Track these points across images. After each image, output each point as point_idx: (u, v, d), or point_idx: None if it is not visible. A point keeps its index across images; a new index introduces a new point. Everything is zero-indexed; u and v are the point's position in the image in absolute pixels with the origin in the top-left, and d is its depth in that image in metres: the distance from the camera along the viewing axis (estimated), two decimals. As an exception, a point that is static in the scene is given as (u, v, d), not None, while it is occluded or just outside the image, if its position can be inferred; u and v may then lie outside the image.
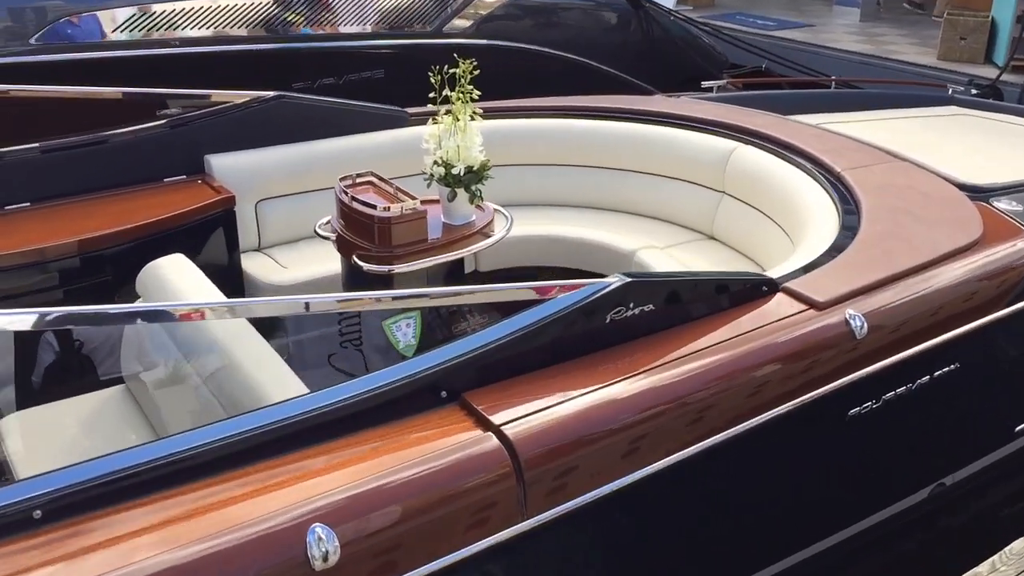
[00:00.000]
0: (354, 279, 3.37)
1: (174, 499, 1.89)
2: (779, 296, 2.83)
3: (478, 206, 3.49)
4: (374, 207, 3.20)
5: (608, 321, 2.47)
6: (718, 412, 2.50)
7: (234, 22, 5.60)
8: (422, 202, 3.37)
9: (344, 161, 4.08)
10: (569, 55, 6.99)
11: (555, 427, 2.24)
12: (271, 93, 4.12)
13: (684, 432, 2.43)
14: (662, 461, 2.38)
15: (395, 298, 2.37)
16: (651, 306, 2.54)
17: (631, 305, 2.49)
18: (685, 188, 4.34)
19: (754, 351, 2.61)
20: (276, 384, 2.26)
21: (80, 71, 4.63)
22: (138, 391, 2.94)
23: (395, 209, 3.19)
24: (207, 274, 3.87)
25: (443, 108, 3.29)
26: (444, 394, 2.25)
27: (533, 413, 2.24)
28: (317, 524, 1.89)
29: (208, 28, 5.53)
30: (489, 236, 3.43)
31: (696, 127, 4.39)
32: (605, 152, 4.43)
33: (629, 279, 2.49)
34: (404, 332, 2.58)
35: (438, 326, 2.86)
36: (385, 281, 3.28)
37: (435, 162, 3.35)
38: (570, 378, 2.38)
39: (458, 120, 3.29)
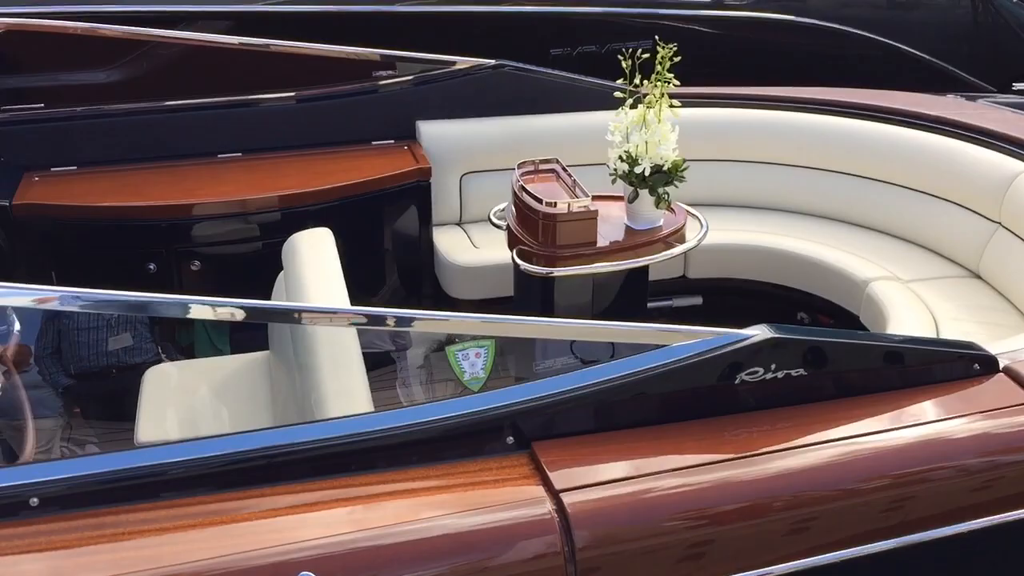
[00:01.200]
0: (519, 275, 3.09)
1: (163, 511, 1.75)
2: (997, 379, 2.20)
3: (669, 208, 3.07)
4: (540, 201, 2.90)
5: (738, 382, 2.01)
6: (862, 518, 1.97)
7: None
8: (607, 199, 3.02)
9: (559, 139, 3.81)
10: (877, 37, 6.16)
11: (631, 505, 1.85)
12: (492, 61, 3.92)
13: (810, 537, 1.94)
14: (771, 568, 1.91)
15: (431, 321, 2.04)
16: (801, 371, 2.05)
17: (772, 367, 2.02)
18: (952, 212, 3.61)
19: (937, 445, 2.05)
20: (341, 396, 2.06)
21: (317, 25, 4.66)
22: (272, 361, 2.88)
23: (562, 205, 2.86)
24: (398, 243, 3.82)
25: (630, 97, 2.90)
26: (510, 439, 1.93)
27: (608, 482, 1.87)
28: (304, 573, 1.67)
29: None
30: (672, 247, 3.00)
31: (980, 139, 3.62)
32: (852, 156, 3.78)
33: (774, 334, 2.01)
34: (471, 362, 2.27)
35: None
36: (546, 283, 2.99)
37: (619, 157, 2.97)
38: (670, 444, 1.96)
39: (651, 107, 2.88)
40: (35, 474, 1.77)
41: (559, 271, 2.89)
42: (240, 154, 3.76)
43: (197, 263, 3.49)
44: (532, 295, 3.08)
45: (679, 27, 5.68)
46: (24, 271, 3.37)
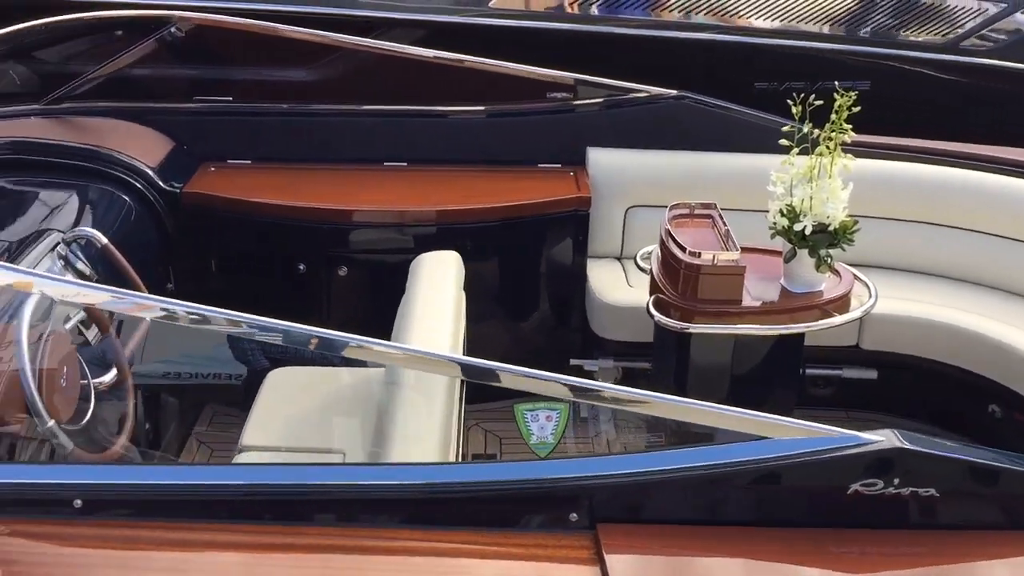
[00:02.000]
0: (658, 325, 2.86)
1: (190, 533, 1.68)
2: None
3: (833, 271, 2.75)
4: (684, 249, 2.66)
5: (850, 493, 1.72)
6: None
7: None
8: (767, 253, 2.75)
9: (734, 178, 3.57)
10: None
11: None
12: (673, 92, 3.70)
13: None
14: None
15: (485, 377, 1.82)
16: (931, 491, 1.73)
17: (896, 482, 1.71)
18: None
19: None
20: (408, 442, 1.94)
21: (505, 40, 4.57)
22: (385, 380, 2.81)
23: (706, 256, 2.62)
24: (551, 271, 3.67)
25: (797, 145, 2.61)
26: (574, 516, 1.73)
27: (674, 586, 1.64)
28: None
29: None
30: (831, 316, 2.68)
31: None
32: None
33: (902, 444, 1.70)
34: (541, 425, 2.06)
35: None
36: (682, 338, 2.75)
37: (780, 211, 2.68)
38: (756, 551, 1.70)
39: (822, 156, 2.59)
40: (81, 475, 1.75)
41: (696, 328, 2.64)
42: (405, 164, 3.74)
43: (345, 269, 3.48)
44: (668, 348, 2.85)
45: (903, 69, 5.20)
46: (187, 257, 3.48)
